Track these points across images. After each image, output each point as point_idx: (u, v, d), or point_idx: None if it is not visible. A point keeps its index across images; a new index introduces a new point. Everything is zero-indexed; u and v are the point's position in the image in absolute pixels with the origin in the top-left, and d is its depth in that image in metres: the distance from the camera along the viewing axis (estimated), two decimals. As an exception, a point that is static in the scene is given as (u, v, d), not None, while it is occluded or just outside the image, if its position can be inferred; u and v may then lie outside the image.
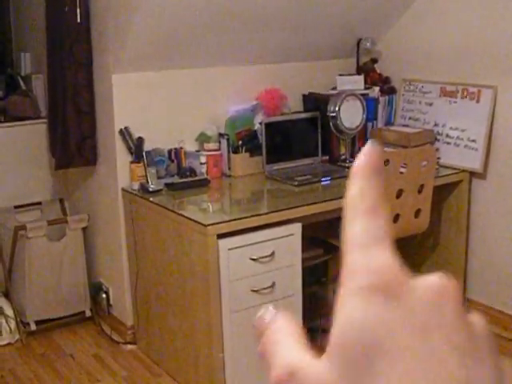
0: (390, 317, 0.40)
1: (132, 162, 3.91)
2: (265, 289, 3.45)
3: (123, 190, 3.99)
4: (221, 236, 3.27)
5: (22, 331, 4.36)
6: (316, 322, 4.29)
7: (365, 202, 0.43)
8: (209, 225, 3.23)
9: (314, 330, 4.23)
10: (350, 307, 0.41)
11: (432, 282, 0.42)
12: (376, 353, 0.39)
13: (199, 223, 3.28)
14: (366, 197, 0.43)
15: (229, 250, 3.28)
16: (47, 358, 4.17)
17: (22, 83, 4.88)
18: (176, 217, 3.48)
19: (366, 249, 0.42)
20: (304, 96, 4.59)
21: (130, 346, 4.25)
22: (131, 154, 3.94)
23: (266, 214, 3.44)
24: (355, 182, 0.43)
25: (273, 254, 3.43)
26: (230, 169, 4.16)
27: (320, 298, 4.52)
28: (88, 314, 4.55)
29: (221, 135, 4.17)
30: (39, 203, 4.72)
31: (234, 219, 3.34)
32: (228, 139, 4.14)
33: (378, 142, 0.45)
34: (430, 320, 0.40)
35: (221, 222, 3.28)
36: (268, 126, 4.17)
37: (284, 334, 0.45)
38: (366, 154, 0.44)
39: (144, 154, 3.84)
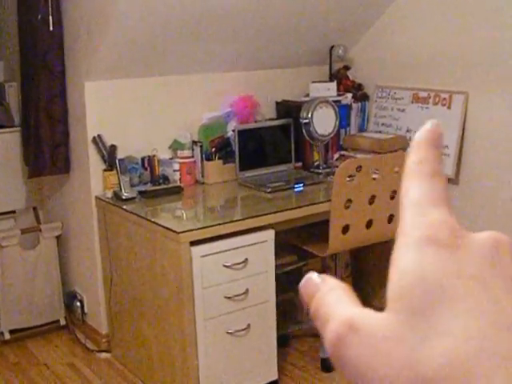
0: (449, 265, 0.41)
1: (105, 170, 3.91)
2: (238, 296, 3.45)
3: (97, 197, 3.99)
4: (194, 243, 3.27)
5: (-4, 340, 4.35)
6: (290, 328, 4.32)
7: (426, 167, 0.45)
8: (181, 232, 3.24)
9: (288, 337, 4.26)
10: (408, 258, 0.42)
11: (489, 235, 0.43)
12: (437, 299, 0.40)
13: (172, 230, 3.28)
14: (427, 162, 0.45)
15: (202, 257, 3.29)
16: (21, 366, 4.15)
17: (-5, 91, 4.87)
18: (149, 224, 3.48)
19: (425, 207, 0.44)
20: (277, 103, 4.61)
21: (104, 355, 4.24)
22: (104, 161, 3.94)
23: (239, 220, 3.45)
24: (417, 150, 0.46)
25: (246, 260, 3.44)
26: (203, 176, 4.16)
27: (294, 304, 4.53)
28: (62, 322, 4.54)
29: (194, 142, 4.17)
30: (13, 212, 4.70)
31: (207, 226, 3.34)
32: (201, 146, 4.15)
33: (437, 122, 0.47)
34: (488, 268, 0.41)
35: (193, 230, 3.29)
36: (241, 133, 4.18)
37: (337, 293, 0.45)
38: (428, 129, 0.46)
39: (117, 161, 3.84)
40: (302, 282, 0.47)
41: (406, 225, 0.44)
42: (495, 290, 0.41)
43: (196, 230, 3.30)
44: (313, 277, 0.47)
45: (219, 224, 3.38)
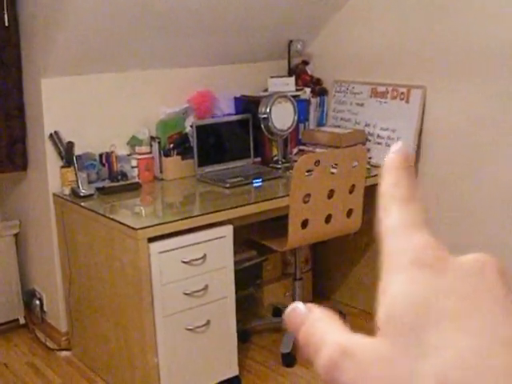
0: (438, 287, 0.42)
1: (62, 167, 3.88)
2: (197, 292, 3.45)
3: (54, 194, 3.96)
4: (152, 239, 3.26)
5: (-46, 340, 4.30)
6: (251, 324, 4.32)
7: (402, 190, 0.46)
8: (139, 228, 3.22)
9: (249, 332, 4.26)
10: (397, 282, 0.43)
11: (475, 257, 0.44)
12: (428, 321, 0.41)
13: (129, 227, 3.26)
14: (402, 185, 0.47)
15: (160, 253, 3.28)
16: (-20, 367, 4.11)
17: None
18: (107, 221, 3.46)
19: (406, 231, 0.45)
20: (235, 98, 4.60)
21: (64, 353, 4.21)
22: (62, 158, 3.91)
23: (198, 216, 3.44)
24: (389, 173, 0.47)
25: (204, 256, 3.43)
26: (161, 172, 4.15)
27: (255, 300, 4.54)
28: (22, 321, 4.50)
29: (152, 138, 4.16)
30: (-30, 210, 4.66)
31: (165, 222, 3.33)
32: (159, 142, 4.14)
33: (404, 145, 0.49)
34: (476, 288, 0.42)
35: (151, 226, 3.27)
36: (199, 128, 4.17)
37: (326, 321, 0.45)
38: (397, 150, 0.48)
39: (74, 158, 3.81)
40: (288, 311, 0.47)
41: (390, 250, 0.45)
42: (484, 309, 0.41)
43: (154, 226, 3.28)
44: (298, 306, 0.47)
45: (177, 220, 3.36)
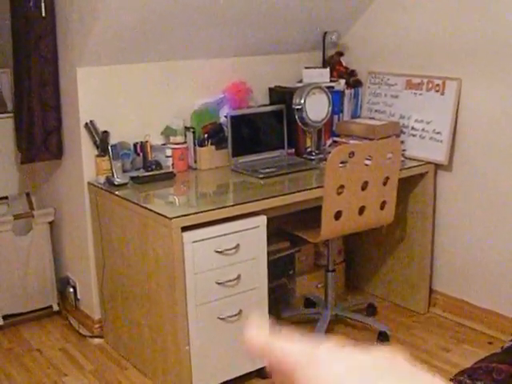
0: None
1: (97, 156, 3.91)
2: (230, 281, 3.46)
3: (89, 183, 3.99)
4: (185, 229, 3.27)
5: (-11, 326, 4.36)
6: (283, 315, 4.33)
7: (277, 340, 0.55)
8: (173, 218, 3.23)
9: (281, 323, 4.26)
10: None
11: (383, 349, 0.53)
12: None
13: (163, 216, 3.28)
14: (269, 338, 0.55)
15: (193, 242, 3.29)
16: (14, 352, 4.15)
17: (-13, 78, 4.86)
18: (141, 210, 3.48)
19: (309, 360, 0.54)
20: (270, 89, 4.60)
21: (97, 340, 4.25)
22: (97, 147, 3.94)
23: (231, 206, 3.45)
24: (259, 337, 0.56)
25: (237, 246, 3.44)
26: (195, 162, 4.16)
27: (287, 290, 4.54)
28: (55, 308, 4.55)
29: (187, 128, 4.17)
30: (6, 197, 4.70)
31: (199, 212, 3.34)
32: (194, 132, 4.15)
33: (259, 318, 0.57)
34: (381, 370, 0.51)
35: (185, 215, 3.28)
36: (234, 119, 4.18)
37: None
38: (253, 320, 0.57)
39: (109, 147, 3.84)
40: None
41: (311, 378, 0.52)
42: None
43: (188, 215, 3.29)
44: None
45: (211, 210, 3.37)
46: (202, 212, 3.34)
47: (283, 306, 4.42)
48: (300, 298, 4.57)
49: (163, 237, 3.31)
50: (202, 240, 3.33)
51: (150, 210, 3.40)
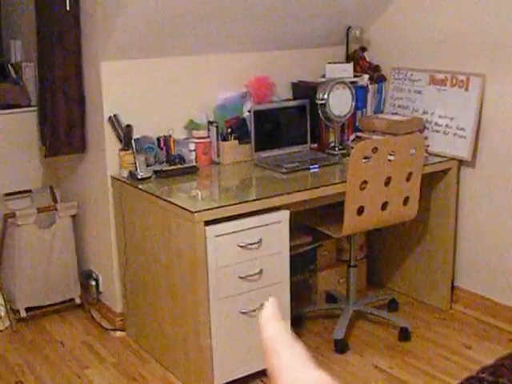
0: None
1: (121, 150, 3.92)
2: (252, 276, 3.46)
3: (112, 177, 4.00)
4: (209, 223, 3.28)
5: (12, 318, 4.38)
6: (304, 310, 4.33)
7: (285, 337, 0.55)
8: (196, 211, 3.24)
9: (302, 318, 4.27)
10: None
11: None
12: None
13: (186, 210, 3.28)
14: (284, 333, 0.55)
15: (216, 236, 3.29)
16: (37, 344, 4.18)
17: (12, 71, 4.88)
18: (164, 204, 3.49)
19: (300, 367, 0.53)
20: (293, 84, 4.60)
21: (119, 333, 4.27)
22: (120, 141, 3.95)
23: (254, 200, 3.44)
24: (272, 324, 0.56)
25: (260, 241, 3.44)
26: (218, 156, 4.17)
27: (308, 286, 4.55)
28: (78, 301, 4.57)
29: (210, 123, 4.17)
30: (29, 191, 4.72)
31: (222, 206, 3.34)
32: (217, 127, 4.15)
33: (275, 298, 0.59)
34: None
35: (208, 209, 3.29)
36: (257, 113, 4.18)
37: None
38: (271, 305, 0.58)
39: (133, 141, 3.85)
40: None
41: (290, 383, 0.52)
42: None
43: (211, 209, 3.29)
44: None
45: (234, 204, 3.37)
46: (225, 206, 3.34)
47: (304, 301, 4.42)
48: (321, 293, 4.56)
49: (186, 231, 3.32)
50: (225, 234, 3.33)
51: (174, 204, 3.40)
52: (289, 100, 4.52)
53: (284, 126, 4.36)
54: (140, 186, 3.73)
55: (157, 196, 3.56)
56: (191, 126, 4.15)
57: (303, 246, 4.35)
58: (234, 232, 3.36)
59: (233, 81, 4.34)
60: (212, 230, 3.27)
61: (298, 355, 0.54)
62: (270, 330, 0.56)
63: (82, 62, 4.11)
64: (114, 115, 3.94)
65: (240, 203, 3.40)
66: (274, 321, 0.57)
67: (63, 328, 4.38)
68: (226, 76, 4.34)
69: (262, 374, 3.67)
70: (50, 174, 4.81)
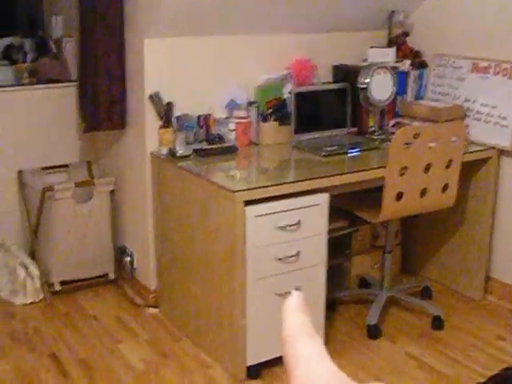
0: None
1: (161, 127, 3.92)
2: (289, 257, 3.46)
3: (151, 154, 4.00)
4: (248, 203, 3.27)
5: (47, 291, 4.41)
6: (337, 294, 4.32)
7: (307, 329, 0.54)
8: (237, 191, 3.24)
9: (335, 302, 4.26)
10: None
11: None
12: None
13: (227, 189, 3.28)
14: (306, 325, 0.55)
15: (256, 217, 3.29)
16: (70, 317, 4.21)
17: (52, 46, 4.89)
18: (204, 182, 3.48)
19: (315, 361, 0.52)
20: (334, 67, 4.57)
21: (151, 310, 4.28)
22: (160, 118, 3.95)
23: (294, 182, 3.44)
24: (294, 315, 0.55)
25: (299, 222, 3.43)
26: (257, 137, 4.16)
27: (342, 270, 4.53)
28: (111, 276, 4.60)
29: (250, 103, 4.16)
30: (67, 165, 4.75)
31: (262, 186, 3.33)
32: (257, 107, 4.14)
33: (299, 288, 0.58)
34: None
35: (249, 189, 3.28)
36: (298, 95, 4.16)
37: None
38: (296, 296, 0.57)
39: (173, 119, 3.85)
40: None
41: (304, 374, 0.52)
42: None
43: (251, 189, 3.29)
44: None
45: (275, 185, 3.37)
46: (265, 187, 3.33)
47: (338, 286, 4.41)
48: (354, 277, 4.55)
49: (225, 210, 3.32)
50: (265, 215, 3.32)
51: (214, 183, 3.40)
52: (329, 83, 4.49)
53: (324, 109, 4.34)
54: (179, 164, 3.73)
55: (196, 174, 3.56)
56: (231, 105, 4.14)
57: (339, 231, 4.33)
58: (273, 213, 3.35)
59: (274, 62, 4.32)
60: (252, 210, 3.27)
61: (315, 348, 0.53)
62: (292, 319, 0.55)
63: (124, 39, 4.11)
64: (155, 92, 3.94)
65: (280, 184, 3.39)
66: (296, 311, 0.56)
67: (96, 303, 4.41)
68: (268, 57, 4.32)
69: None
70: (87, 150, 4.83)
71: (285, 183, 3.41)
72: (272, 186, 3.36)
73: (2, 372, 3.65)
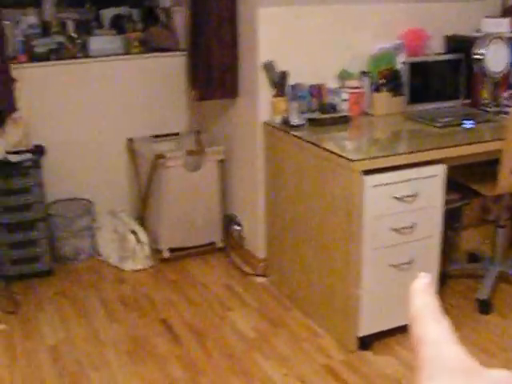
0: None
1: (274, 96, 3.91)
2: (405, 228, 3.42)
3: (264, 123, 4.00)
4: (366, 173, 3.25)
5: (156, 258, 4.48)
6: (447, 268, 4.26)
7: (435, 311, 0.55)
8: (355, 160, 3.21)
9: (445, 276, 4.21)
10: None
11: (507, 373, 0.51)
12: None
13: (345, 158, 3.26)
14: (434, 307, 0.55)
15: (373, 187, 3.26)
16: (180, 284, 4.26)
17: (161, 15, 4.93)
18: (320, 151, 3.47)
19: (445, 343, 0.53)
20: (447, 37, 4.48)
21: (260, 279, 4.30)
22: (274, 87, 3.94)
23: (411, 153, 3.39)
24: (422, 296, 0.56)
25: (416, 194, 3.39)
26: (370, 107, 4.12)
27: (452, 243, 4.47)
28: (219, 245, 4.63)
29: (363, 73, 4.12)
30: (176, 134, 4.79)
31: (380, 156, 3.30)
32: (370, 77, 4.10)
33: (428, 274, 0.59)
34: None
35: (367, 159, 3.26)
36: (411, 65, 4.10)
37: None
38: (425, 277, 0.58)
39: (288, 88, 3.83)
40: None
41: (431, 356, 0.52)
42: None
43: (369, 159, 3.26)
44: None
45: (393, 155, 3.33)
46: (382, 157, 3.30)
47: (447, 260, 4.35)
48: (463, 252, 4.49)
49: (343, 179, 3.30)
50: (382, 185, 3.29)
51: (331, 152, 3.38)
52: (442, 53, 4.41)
53: (437, 80, 4.27)
54: (294, 133, 3.72)
55: (313, 143, 3.54)
56: (344, 75, 4.11)
57: (451, 203, 4.26)
58: (390, 183, 3.32)
59: (386, 32, 4.26)
60: (370, 179, 3.24)
61: (443, 331, 0.54)
62: (420, 301, 0.56)
63: (235, 7, 4.11)
64: (269, 61, 3.93)
65: (398, 154, 3.36)
66: (425, 293, 0.56)
67: (205, 270, 4.45)
68: (380, 26, 4.26)
69: (403, 329, 3.64)
70: (195, 118, 4.86)
71: (403, 153, 3.37)
72: (390, 156, 3.33)
73: (116, 335, 3.73)
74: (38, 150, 4.34)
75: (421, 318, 0.55)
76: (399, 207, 3.38)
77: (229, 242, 4.62)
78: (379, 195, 3.30)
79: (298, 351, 3.57)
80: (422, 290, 0.57)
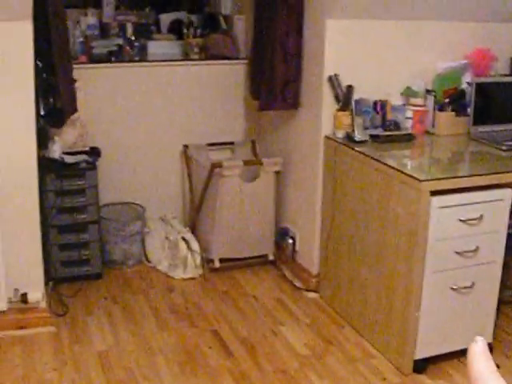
0: None
1: (338, 110, 3.86)
2: (468, 252, 3.35)
3: (326, 137, 3.95)
4: (432, 193, 3.18)
5: (206, 267, 4.44)
6: (502, 293, 4.17)
7: (493, 373, 0.60)
8: (424, 180, 3.15)
9: (499, 301, 4.11)
10: None
11: None
12: None
13: (413, 178, 3.19)
14: (492, 369, 0.61)
15: (440, 208, 3.20)
16: (230, 295, 4.22)
17: (223, 22, 4.90)
18: (386, 169, 3.40)
19: None
20: (512, 59, 4.41)
21: (311, 294, 4.25)
22: (338, 101, 3.89)
23: (478, 175, 3.32)
24: (479, 360, 0.61)
25: (481, 217, 3.32)
26: (433, 126, 4.05)
27: (508, 269, 4.38)
28: (271, 257, 4.58)
29: (427, 91, 4.06)
30: (231, 143, 4.75)
31: (449, 177, 3.24)
32: (435, 96, 4.03)
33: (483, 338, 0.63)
34: None
35: (436, 179, 3.19)
36: (478, 86, 4.03)
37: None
38: (481, 342, 0.63)
39: (353, 102, 3.78)
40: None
41: None
42: None
43: (437, 179, 3.20)
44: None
45: (461, 176, 3.27)
46: (452, 178, 3.24)
47: (503, 285, 4.26)
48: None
49: (408, 198, 3.23)
50: (448, 207, 3.23)
51: (398, 170, 3.32)
52: (507, 75, 4.33)
53: (504, 101, 4.19)
54: (358, 149, 3.66)
55: (379, 161, 3.48)
56: (408, 92, 4.05)
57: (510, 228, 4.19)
58: (456, 205, 3.25)
59: (452, 50, 4.19)
60: (437, 200, 3.18)
61: None
62: (479, 364, 0.61)
63: (302, 19, 4.06)
64: (335, 74, 3.88)
65: (464, 177, 3.29)
66: (483, 356, 0.62)
67: (255, 283, 4.41)
68: (446, 45, 4.19)
69: (461, 353, 3.57)
70: (252, 128, 4.83)
71: (471, 175, 3.31)
72: (457, 177, 3.27)
73: (166, 345, 3.69)
74: (94, 152, 4.32)
75: (482, 381, 0.60)
76: (463, 230, 3.31)
77: (280, 255, 4.57)
78: (445, 217, 3.23)
79: (352, 371, 3.50)
80: (480, 353, 0.62)
